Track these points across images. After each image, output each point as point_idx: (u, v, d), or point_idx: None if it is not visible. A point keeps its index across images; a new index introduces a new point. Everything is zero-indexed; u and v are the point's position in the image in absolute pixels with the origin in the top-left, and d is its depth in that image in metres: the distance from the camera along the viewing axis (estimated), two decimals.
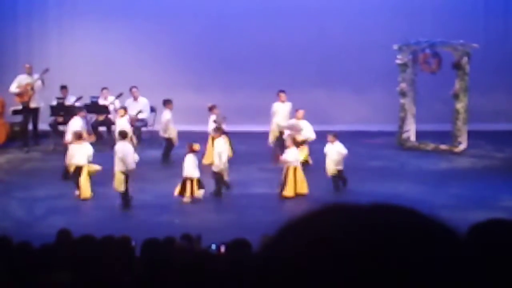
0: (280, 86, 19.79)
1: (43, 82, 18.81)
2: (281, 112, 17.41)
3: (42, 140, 18.93)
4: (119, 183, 13.92)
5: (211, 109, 17.12)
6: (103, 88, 19.08)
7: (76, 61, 20.62)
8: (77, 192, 14.51)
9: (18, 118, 18.95)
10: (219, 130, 15.35)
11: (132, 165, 14.11)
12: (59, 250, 7.62)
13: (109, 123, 18.94)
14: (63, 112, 18.41)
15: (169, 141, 17.21)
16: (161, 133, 17.30)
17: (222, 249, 8.58)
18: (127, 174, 14.01)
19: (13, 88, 18.74)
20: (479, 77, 18.28)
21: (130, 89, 18.93)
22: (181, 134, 17.25)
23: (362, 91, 20.40)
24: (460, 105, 17.72)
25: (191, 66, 20.77)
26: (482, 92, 19.18)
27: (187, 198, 14.07)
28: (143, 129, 19.02)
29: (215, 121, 16.40)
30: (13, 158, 17.86)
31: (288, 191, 14.28)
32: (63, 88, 19.02)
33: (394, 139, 18.38)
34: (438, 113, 18.89)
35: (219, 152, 14.67)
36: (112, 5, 21.01)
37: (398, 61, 18.14)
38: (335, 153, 14.71)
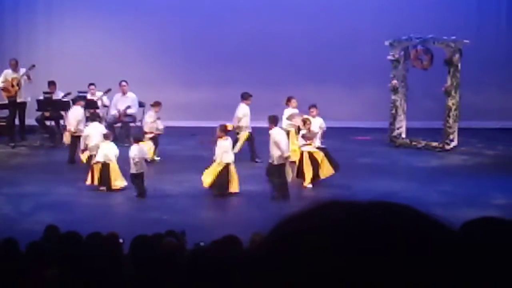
0: (271, 82, 19.70)
1: (29, 78, 18.64)
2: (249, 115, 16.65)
3: (28, 135, 18.76)
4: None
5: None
6: (90, 84, 18.92)
7: (64, 56, 20.46)
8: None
9: (4, 113, 18.77)
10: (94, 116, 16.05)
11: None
12: (46, 247, 7.49)
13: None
14: (50, 107, 18.28)
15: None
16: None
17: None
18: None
19: None
20: (470, 74, 18.23)
21: (120, 83, 18.78)
22: (169, 130, 17.14)
23: (353, 87, 20.33)
24: (451, 102, 17.65)
25: (180, 61, 20.65)
26: (474, 89, 19.14)
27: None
28: (132, 124, 18.86)
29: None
30: None
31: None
32: (51, 83, 18.86)
33: (386, 136, 18.30)
34: (430, 110, 18.84)
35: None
36: (100, 0, 20.84)
37: (389, 57, 18.05)
38: None
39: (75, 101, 17.42)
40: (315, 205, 1.16)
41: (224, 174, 13.89)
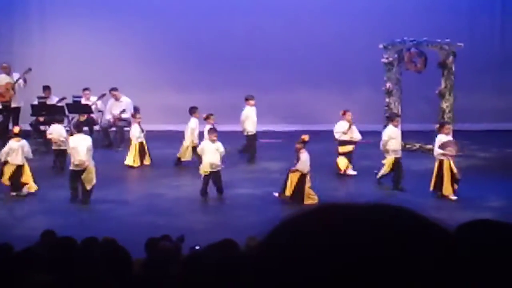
0: (265, 85, 19.65)
1: (25, 82, 18.62)
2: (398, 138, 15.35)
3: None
4: None
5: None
6: (85, 89, 18.91)
7: (58, 61, 20.42)
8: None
9: None
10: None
11: None
12: (41, 252, 7.47)
13: (91, 123, 18.73)
14: (44, 111, 18.22)
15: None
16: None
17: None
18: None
19: None
20: (464, 77, 18.25)
21: (110, 92, 18.74)
22: (164, 134, 17.13)
23: (348, 90, 20.32)
24: (445, 105, 17.68)
25: (174, 65, 20.63)
26: (467, 91, 19.15)
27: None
28: (126, 129, 18.82)
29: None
30: None
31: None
32: (46, 88, 18.82)
33: (380, 139, 18.25)
34: (424, 112, 18.84)
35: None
36: (95, 5, 20.83)
37: (383, 60, 18.06)
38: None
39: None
40: (313, 208, 1.17)
41: (17, 174, 14.44)
